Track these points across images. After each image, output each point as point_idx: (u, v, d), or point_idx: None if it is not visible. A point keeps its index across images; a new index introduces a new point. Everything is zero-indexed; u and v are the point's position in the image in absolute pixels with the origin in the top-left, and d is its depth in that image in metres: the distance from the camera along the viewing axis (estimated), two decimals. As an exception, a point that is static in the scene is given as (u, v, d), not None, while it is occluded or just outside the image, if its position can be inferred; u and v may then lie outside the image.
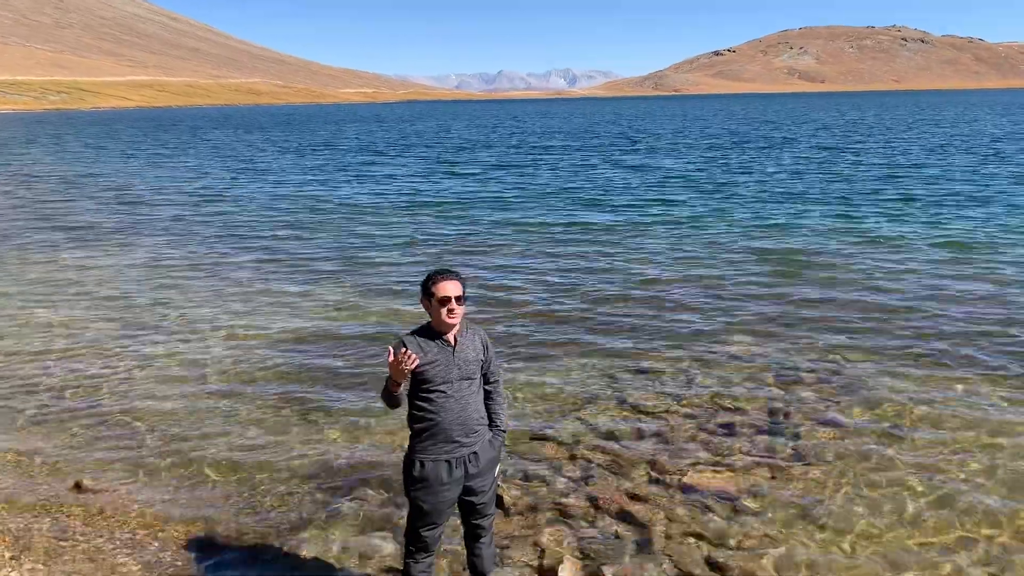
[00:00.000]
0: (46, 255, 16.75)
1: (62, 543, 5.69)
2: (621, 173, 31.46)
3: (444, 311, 4.22)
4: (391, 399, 4.22)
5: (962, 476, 6.46)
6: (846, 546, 5.51)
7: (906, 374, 8.73)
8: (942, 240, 16.02)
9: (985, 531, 5.68)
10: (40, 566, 5.37)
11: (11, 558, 5.47)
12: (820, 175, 28.44)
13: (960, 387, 8.34)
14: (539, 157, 40.85)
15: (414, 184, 28.82)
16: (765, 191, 24.28)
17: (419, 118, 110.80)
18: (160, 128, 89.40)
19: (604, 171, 32.38)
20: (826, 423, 7.52)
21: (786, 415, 7.72)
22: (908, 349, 9.55)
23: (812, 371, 8.91)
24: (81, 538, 5.76)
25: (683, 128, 69.37)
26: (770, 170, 30.99)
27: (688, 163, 35.35)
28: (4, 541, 5.71)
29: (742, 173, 30.05)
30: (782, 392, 8.33)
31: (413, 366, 4.05)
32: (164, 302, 12.58)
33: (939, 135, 50.35)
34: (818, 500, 6.13)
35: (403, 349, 4.06)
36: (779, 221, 18.62)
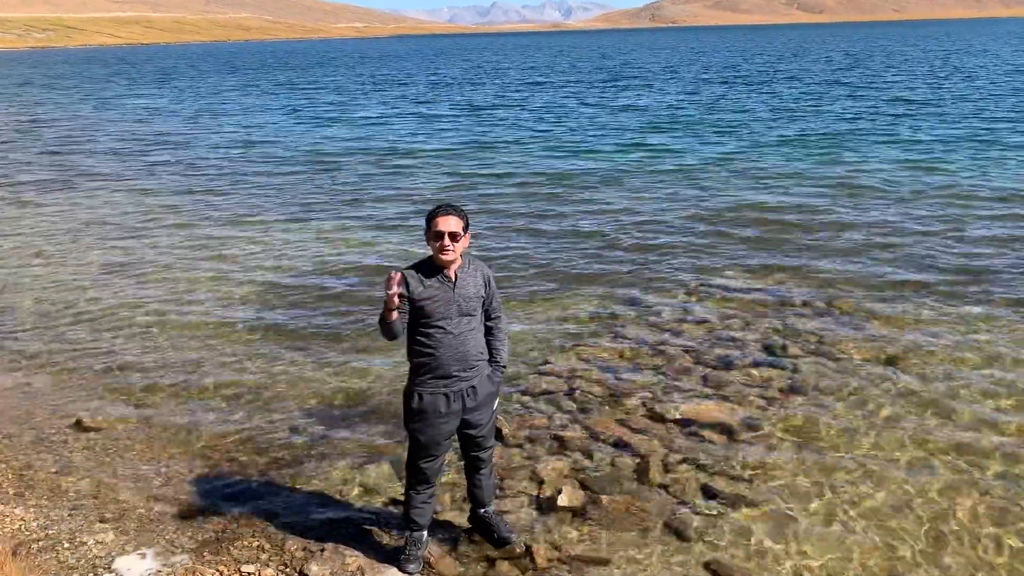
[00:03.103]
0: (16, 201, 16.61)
1: (64, 479, 5.74)
2: (615, 113, 30.99)
3: (437, 247, 4.19)
4: (387, 329, 4.19)
5: (960, 405, 6.51)
6: (843, 475, 5.57)
7: (903, 308, 8.74)
8: (942, 183, 15.77)
9: (985, 459, 5.74)
10: (44, 502, 5.42)
11: (15, 495, 5.52)
12: (820, 113, 27.96)
13: (957, 320, 8.36)
14: (529, 97, 40.15)
15: (393, 129, 26.99)
16: (766, 129, 23.88)
17: (407, 56, 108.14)
18: (137, 68, 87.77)
19: (595, 112, 31.72)
20: (822, 355, 7.55)
21: (783, 348, 7.74)
22: (905, 285, 9.54)
23: (808, 305, 8.92)
24: (84, 474, 5.80)
25: (682, 63, 68.20)
26: (770, 108, 30.53)
27: (683, 101, 34.83)
28: (7, 478, 5.75)
29: (741, 112, 29.57)
30: (779, 326, 8.34)
31: (397, 291, 4.00)
32: (147, 243, 12.52)
33: (946, 70, 49.54)
34: (814, 430, 6.18)
35: (394, 275, 4.01)
36: (778, 161, 18.31)
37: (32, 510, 5.30)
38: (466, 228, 4.26)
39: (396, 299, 4.02)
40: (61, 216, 14.61)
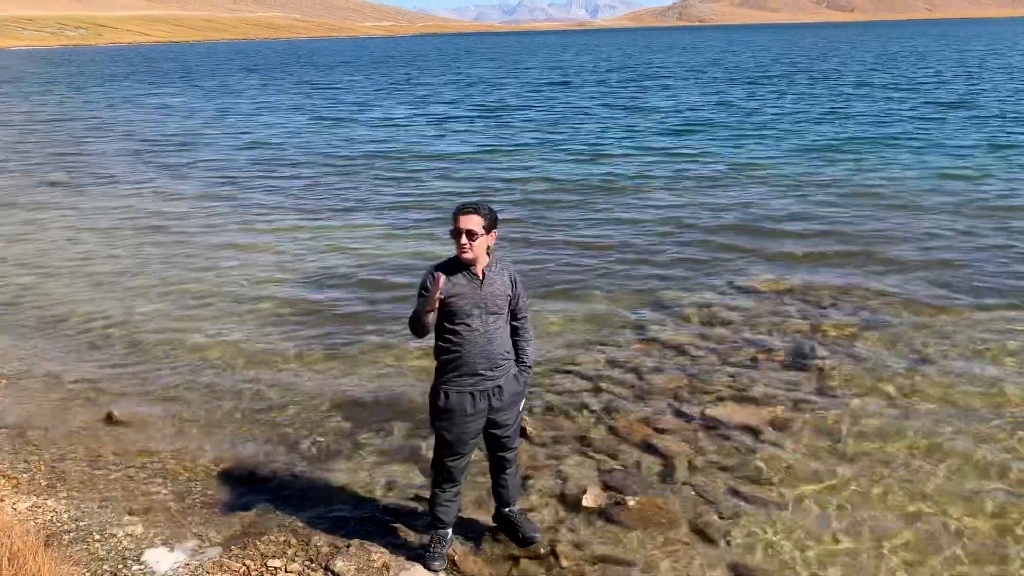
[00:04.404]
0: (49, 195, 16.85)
1: (95, 472, 5.82)
2: (640, 115, 30.78)
3: (456, 245, 4.22)
4: (420, 327, 4.21)
5: (989, 411, 6.42)
6: (868, 479, 5.51)
7: (932, 310, 8.63)
8: (980, 191, 15.40)
9: (1015, 468, 5.65)
10: (76, 494, 5.50)
11: (47, 486, 5.61)
12: (850, 116, 27.48)
13: (988, 322, 8.24)
14: (553, 98, 39.97)
15: (414, 131, 26.23)
16: (796, 133, 23.47)
17: (431, 55, 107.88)
18: (163, 66, 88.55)
19: (620, 114, 31.46)
20: (850, 357, 7.47)
21: (810, 349, 7.67)
22: (938, 289, 9.40)
23: (837, 306, 8.83)
24: (113, 468, 5.88)
25: (708, 63, 67.71)
26: (799, 110, 30.11)
27: (709, 104, 34.56)
28: (40, 470, 5.85)
29: (770, 115, 29.19)
30: (806, 326, 8.27)
31: (440, 294, 4.08)
32: (174, 241, 12.66)
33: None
34: (841, 433, 6.12)
35: (439, 277, 4.07)
36: (808, 166, 17.94)
37: (64, 501, 5.38)
38: (490, 227, 4.26)
39: (437, 301, 4.07)
40: (90, 215, 14.81)
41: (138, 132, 27.85)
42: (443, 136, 24.74)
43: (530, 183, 16.65)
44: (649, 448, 5.99)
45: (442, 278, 4.06)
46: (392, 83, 50.26)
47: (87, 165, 20.54)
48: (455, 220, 4.21)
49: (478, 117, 29.70)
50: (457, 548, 4.78)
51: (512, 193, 15.61)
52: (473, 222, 4.19)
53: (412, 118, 30.07)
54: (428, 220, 13.47)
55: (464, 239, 4.18)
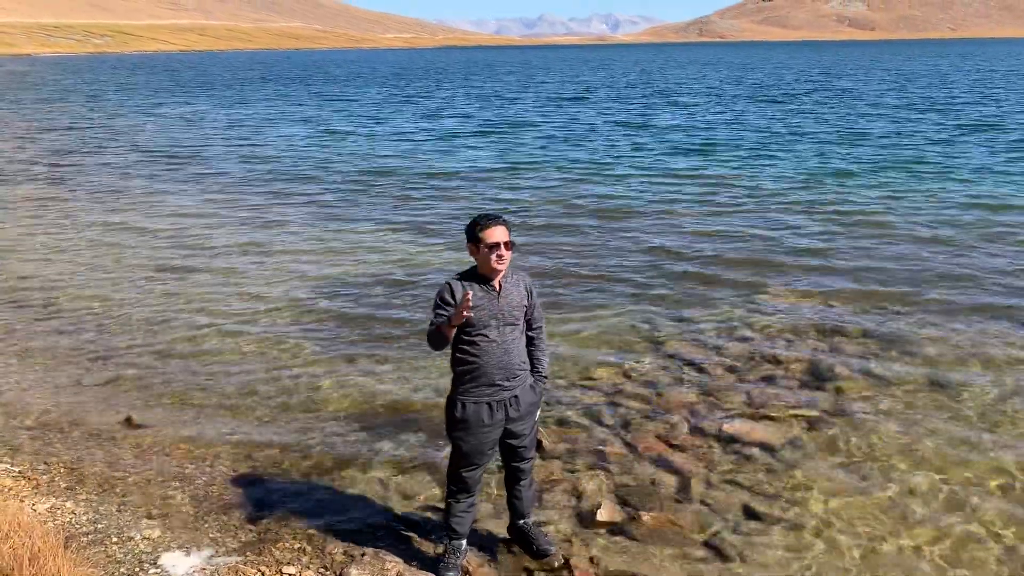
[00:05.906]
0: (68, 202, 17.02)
1: (114, 475, 5.87)
2: (657, 134, 30.76)
3: (493, 257, 4.20)
4: (441, 340, 4.23)
5: (1010, 430, 6.36)
6: (885, 498, 5.47)
7: (951, 329, 8.57)
8: (1007, 220, 15.36)
9: (1031, 488, 5.60)
10: (93, 497, 5.55)
11: (66, 488, 5.67)
12: (872, 132, 27.38)
13: (1007, 342, 8.17)
14: (568, 115, 39.95)
15: (426, 147, 25.75)
16: (813, 145, 23.48)
17: (450, 68, 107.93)
18: (181, 75, 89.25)
19: (635, 132, 31.50)
20: (868, 376, 7.43)
21: (828, 367, 7.64)
22: (953, 304, 9.35)
23: (855, 324, 8.79)
24: (132, 471, 5.93)
25: (727, 81, 67.58)
26: (819, 132, 29.99)
27: (725, 123, 34.49)
28: (59, 472, 5.91)
29: (790, 135, 29.15)
30: (824, 345, 8.24)
31: (468, 312, 4.07)
32: (194, 251, 12.76)
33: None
34: (858, 453, 6.08)
35: (468, 294, 4.04)
36: (823, 182, 17.89)
37: (83, 504, 5.43)
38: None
39: (467, 308, 4.05)
40: (110, 221, 14.98)
41: (152, 142, 27.91)
42: (457, 151, 24.54)
43: (543, 200, 16.54)
44: (665, 464, 5.98)
45: (472, 290, 4.07)
46: (408, 96, 50.25)
47: (103, 175, 20.67)
48: (485, 234, 4.19)
49: (492, 132, 29.49)
50: (471, 559, 4.79)
51: (525, 209, 15.58)
52: (505, 233, 4.21)
53: (425, 132, 29.88)
54: (442, 233, 13.51)
55: (503, 250, 4.19)
